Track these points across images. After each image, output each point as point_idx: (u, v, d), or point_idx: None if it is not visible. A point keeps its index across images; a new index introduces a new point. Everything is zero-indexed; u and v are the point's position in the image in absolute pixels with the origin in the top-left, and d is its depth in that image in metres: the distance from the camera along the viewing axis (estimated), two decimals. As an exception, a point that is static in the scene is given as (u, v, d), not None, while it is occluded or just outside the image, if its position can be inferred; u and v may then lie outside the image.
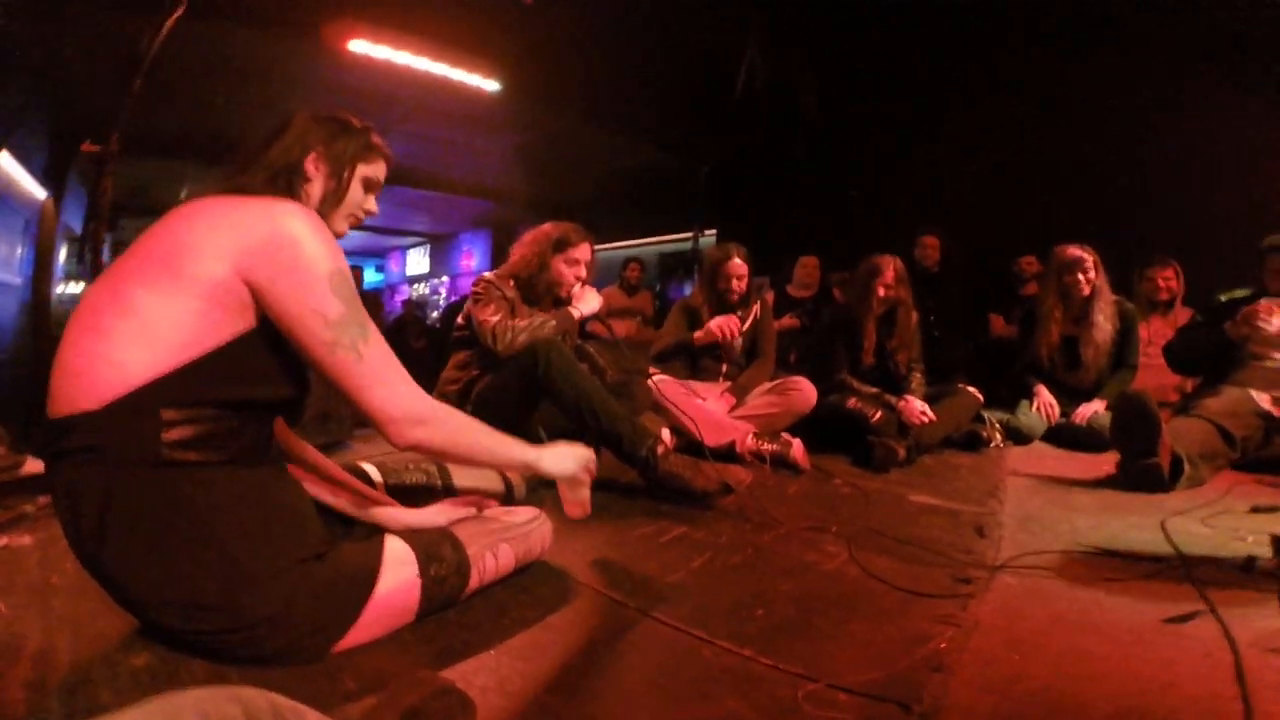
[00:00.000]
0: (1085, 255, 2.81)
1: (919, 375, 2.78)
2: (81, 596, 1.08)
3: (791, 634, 1.12)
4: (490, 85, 5.11)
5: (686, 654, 1.05)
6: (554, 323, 2.07)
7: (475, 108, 5.32)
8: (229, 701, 0.48)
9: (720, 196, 6.92)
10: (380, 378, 1.00)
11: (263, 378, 0.98)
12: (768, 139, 6.05)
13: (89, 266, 3.67)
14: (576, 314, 2.16)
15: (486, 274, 2.24)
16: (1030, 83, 4.56)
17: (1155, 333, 3.19)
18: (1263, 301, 2.25)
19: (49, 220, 5.55)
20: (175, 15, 3.26)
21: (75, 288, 6.75)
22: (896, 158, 5.39)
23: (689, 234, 8.27)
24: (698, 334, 2.74)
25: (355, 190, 1.15)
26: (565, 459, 1.27)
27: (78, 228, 6.52)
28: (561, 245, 2.17)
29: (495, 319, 2.04)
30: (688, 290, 8.67)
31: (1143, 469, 1.97)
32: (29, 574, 1.27)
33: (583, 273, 2.20)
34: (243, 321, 0.94)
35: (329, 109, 1.17)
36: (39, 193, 5.40)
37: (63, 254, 6.21)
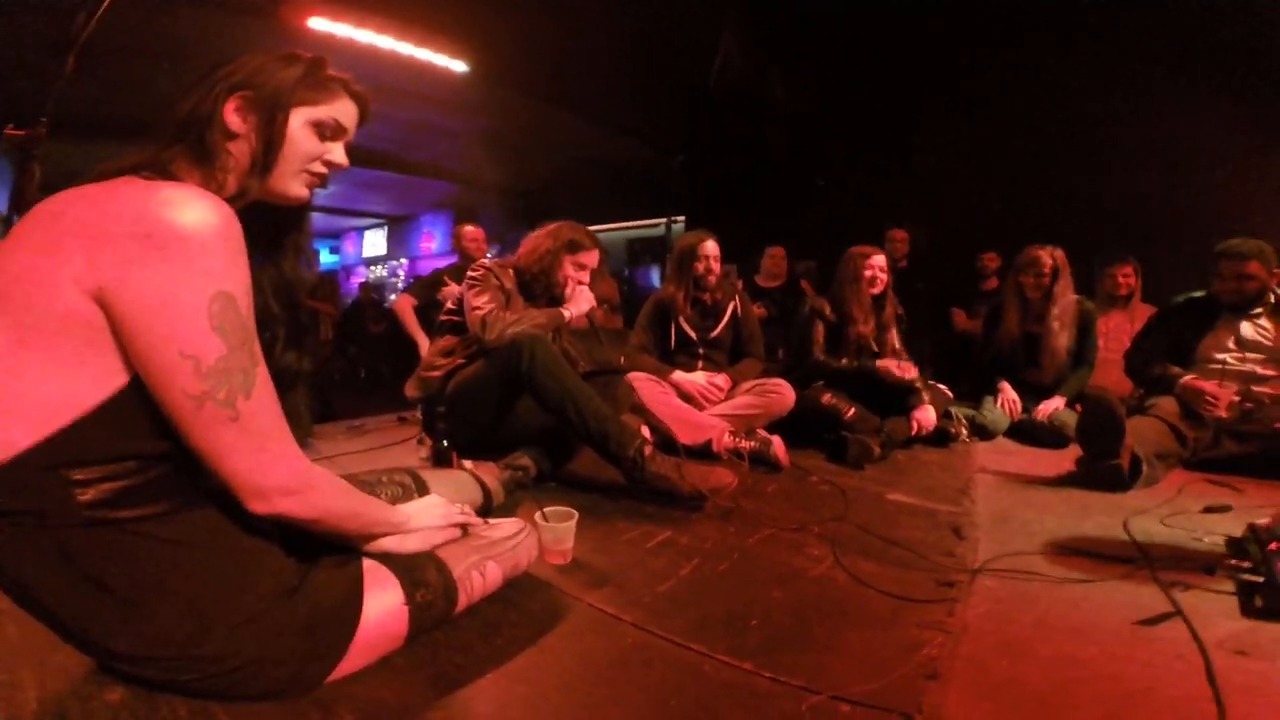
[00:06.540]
0: (1043, 257, 2.86)
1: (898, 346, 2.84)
2: (35, 622, 1.00)
3: (788, 645, 1.13)
4: (458, 66, 4.97)
5: (687, 670, 1.05)
6: (544, 319, 2.04)
7: (441, 89, 5.16)
8: None
9: (691, 185, 6.90)
10: (255, 442, 0.79)
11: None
12: (740, 130, 6.05)
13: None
14: (568, 314, 2.13)
15: (486, 260, 2.19)
16: (999, 80, 4.67)
17: (1115, 327, 3.32)
18: (1209, 385, 2.31)
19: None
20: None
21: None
22: (865, 151, 5.47)
23: (656, 220, 8.25)
24: (675, 376, 2.64)
25: (302, 138, 0.90)
26: (432, 511, 1.13)
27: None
28: (575, 247, 2.16)
29: (488, 307, 2.00)
30: (655, 276, 8.65)
31: (1105, 469, 2.05)
32: (-29, 599, 1.17)
33: (586, 278, 2.18)
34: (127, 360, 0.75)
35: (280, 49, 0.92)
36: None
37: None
